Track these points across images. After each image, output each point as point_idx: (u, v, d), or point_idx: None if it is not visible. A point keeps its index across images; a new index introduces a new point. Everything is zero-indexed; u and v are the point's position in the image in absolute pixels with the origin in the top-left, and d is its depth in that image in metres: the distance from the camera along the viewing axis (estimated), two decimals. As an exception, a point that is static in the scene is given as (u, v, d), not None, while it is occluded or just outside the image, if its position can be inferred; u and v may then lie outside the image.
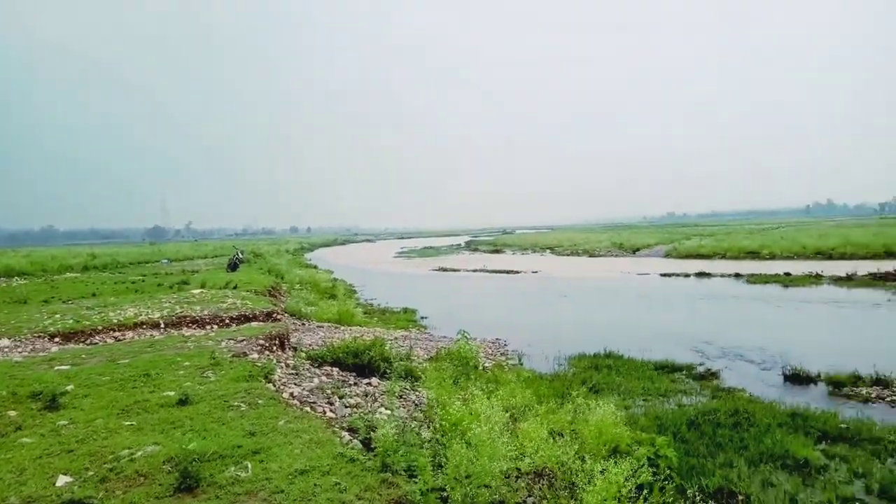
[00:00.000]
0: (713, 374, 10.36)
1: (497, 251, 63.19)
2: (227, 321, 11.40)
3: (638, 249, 49.33)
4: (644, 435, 5.90)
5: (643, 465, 4.88)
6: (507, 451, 4.48)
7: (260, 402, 5.68)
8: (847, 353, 11.15)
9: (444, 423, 5.13)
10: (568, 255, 51.71)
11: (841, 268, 27.20)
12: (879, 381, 9.23)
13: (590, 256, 48.35)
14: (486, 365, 10.94)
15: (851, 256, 33.78)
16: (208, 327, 10.98)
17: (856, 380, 9.39)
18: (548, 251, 57.62)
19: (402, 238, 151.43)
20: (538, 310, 19.97)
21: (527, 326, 16.27)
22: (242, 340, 8.84)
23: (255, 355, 8.05)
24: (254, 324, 11.08)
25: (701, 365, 11.04)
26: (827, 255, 35.08)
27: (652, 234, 68.11)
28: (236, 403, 5.56)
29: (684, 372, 10.63)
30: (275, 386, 6.84)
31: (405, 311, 19.69)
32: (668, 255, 43.14)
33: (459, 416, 5.02)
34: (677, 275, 29.09)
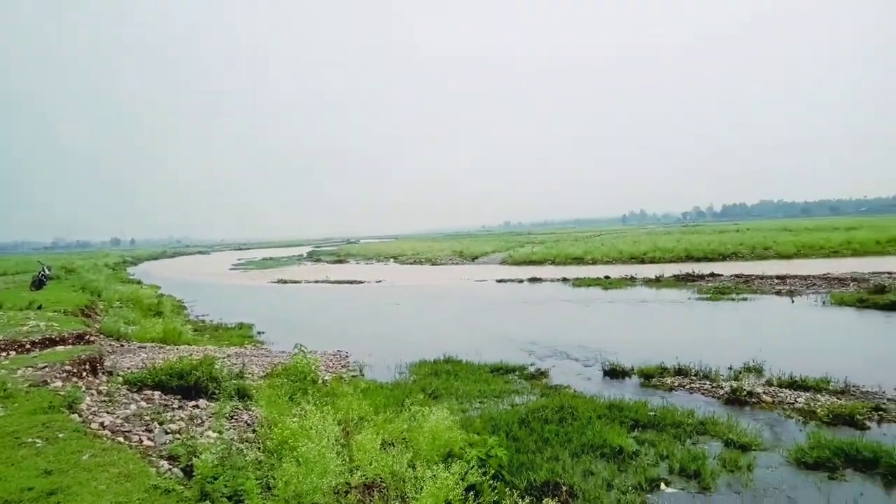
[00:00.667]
0: (542, 374, 11.00)
1: (341, 261, 62.47)
2: (28, 346, 10.04)
3: (477, 257, 51.34)
4: (477, 437, 6.09)
5: (472, 466, 5.04)
6: (338, 465, 4.38)
7: (60, 435, 5.04)
8: (655, 346, 12.39)
9: (274, 441, 4.90)
10: (411, 263, 52.45)
11: (651, 270, 30.40)
12: (680, 371, 10.38)
13: (432, 265, 49.44)
14: (326, 378, 10.69)
15: (659, 260, 37.88)
16: (3, 354, 9.60)
17: (662, 371, 10.47)
18: (392, 260, 58.03)
19: (241, 249, 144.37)
20: (381, 319, 19.99)
21: (369, 336, 16.20)
22: (44, 367, 7.82)
23: (59, 383, 7.15)
24: (60, 348, 9.87)
25: (532, 365, 11.68)
26: (640, 260, 39.00)
27: (490, 243, 71.26)
28: (31, 440, 4.89)
29: (517, 373, 11.17)
30: (81, 416, 6.11)
31: (240, 326, 18.72)
32: (503, 262, 45.37)
33: (290, 433, 4.82)
34: (512, 280, 30.68)
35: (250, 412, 7.53)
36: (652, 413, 8.04)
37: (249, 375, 10.14)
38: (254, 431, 6.55)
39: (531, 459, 6.40)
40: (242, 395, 8.31)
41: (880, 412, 7.83)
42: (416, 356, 12.74)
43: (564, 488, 5.57)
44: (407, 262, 53.42)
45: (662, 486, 5.88)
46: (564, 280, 29.00)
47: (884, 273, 23.82)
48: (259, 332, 17.57)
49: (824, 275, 24.52)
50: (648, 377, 10.26)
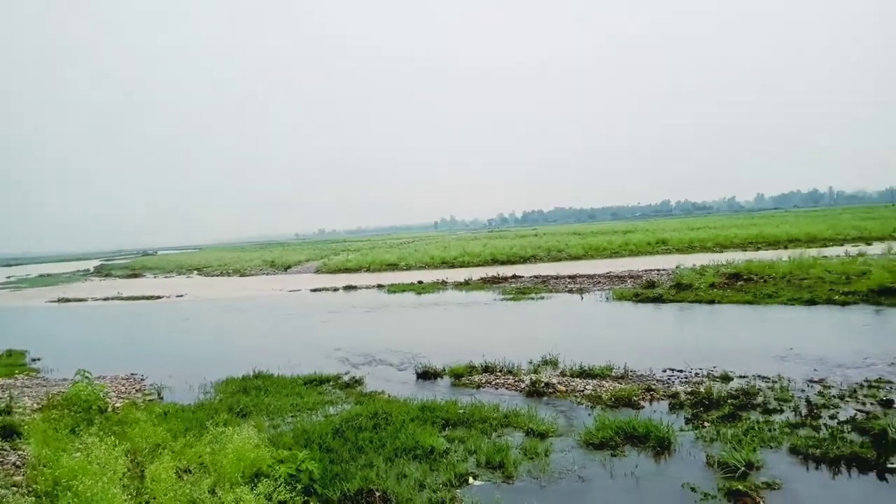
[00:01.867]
0: (357, 382, 10.98)
1: (135, 275, 57.09)
2: None
3: (290, 266, 49.92)
4: (287, 452, 5.89)
5: (281, 483, 4.87)
6: (125, 501, 3.96)
7: None
8: (466, 346, 12.99)
9: (45, 482, 4.29)
10: (218, 275, 49.46)
11: (461, 274, 31.87)
12: (487, 369, 10.99)
13: (241, 276, 47.09)
14: (117, 405, 9.65)
15: (468, 264, 39.89)
16: None
17: (471, 370, 11.00)
18: (195, 272, 54.23)
19: (9, 265, 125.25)
20: (183, 336, 18.55)
21: (170, 355, 14.96)
22: None
23: None
24: None
25: (347, 374, 11.61)
26: (450, 264, 40.72)
27: (303, 251, 69.69)
28: None
29: (332, 383, 11.03)
30: None
31: (9, 353, 16.21)
32: (318, 271, 44.63)
33: (67, 470, 4.26)
34: (327, 289, 30.28)
35: (20, 452, 6.55)
36: (461, 411, 8.40)
37: (20, 410, 8.82)
38: (24, 474, 5.70)
39: (345, 469, 6.34)
40: (10, 433, 7.21)
41: (651, 392, 8.96)
42: (223, 373, 12.01)
43: (378, 494, 5.60)
44: (213, 274, 50.30)
45: (471, 479, 6.16)
46: (379, 286, 29.30)
47: (653, 270, 27.41)
48: (34, 360, 15.38)
49: (607, 273, 27.60)
50: (459, 376, 10.71)
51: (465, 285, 27.06)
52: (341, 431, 7.64)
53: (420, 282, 29.41)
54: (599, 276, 26.85)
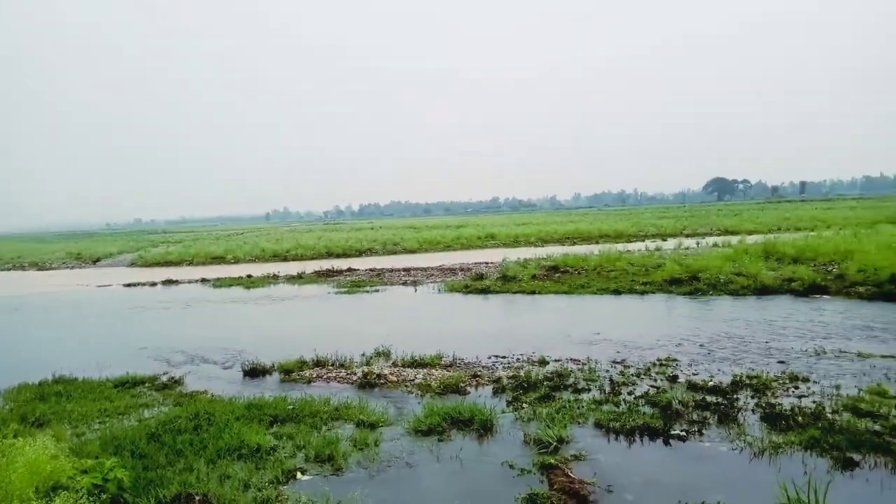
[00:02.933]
0: (177, 382, 10.27)
1: None
2: None
3: (99, 259, 45.28)
4: (91, 461, 5.36)
5: (83, 495, 4.42)
6: None
7: None
8: (297, 341, 12.69)
9: None
10: (9, 269, 43.40)
11: (294, 268, 31.02)
12: (319, 363, 10.83)
13: (40, 269, 41.75)
14: None
15: (302, 257, 38.92)
16: None
17: (302, 364, 10.77)
18: (-21, 266, 47.06)
19: None
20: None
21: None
22: None
23: None
24: None
25: (165, 374, 10.81)
26: (283, 257, 39.43)
27: (115, 243, 63.55)
28: None
29: (147, 385, 10.19)
30: None
31: None
32: (133, 264, 40.98)
33: None
34: (143, 284, 27.88)
35: None
36: (291, 406, 8.21)
37: None
38: None
39: (162, 475, 5.92)
40: None
41: (477, 378, 9.42)
42: (14, 379, 10.61)
43: (198, 498, 5.30)
44: (2, 269, 44.01)
45: (298, 475, 6.06)
46: (204, 281, 27.58)
47: (482, 263, 28.78)
48: None
49: (440, 266, 28.48)
50: (289, 372, 10.44)
51: (299, 279, 26.40)
52: (157, 436, 7.10)
53: (249, 276, 28.16)
54: (433, 268, 27.61)
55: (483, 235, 47.94)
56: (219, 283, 26.31)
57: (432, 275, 25.18)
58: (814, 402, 7.50)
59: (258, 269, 31.44)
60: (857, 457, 5.89)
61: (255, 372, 10.58)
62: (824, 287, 16.37)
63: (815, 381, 8.41)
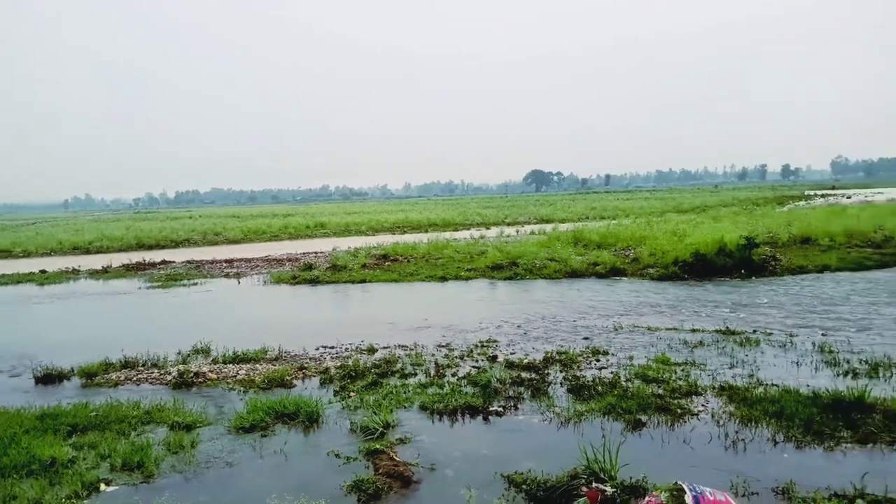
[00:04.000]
0: (-52, 395, 8.83)
1: None
2: None
3: None
4: None
5: None
6: None
7: None
8: (102, 342, 11.50)
9: None
10: None
11: (98, 261, 28.01)
12: (127, 364, 9.92)
13: None
14: None
15: (108, 249, 35.27)
16: None
17: (107, 367, 9.79)
18: None
19: None
20: None
21: None
22: None
23: None
24: None
25: (-68, 388, 9.24)
26: (85, 250, 35.47)
27: None
28: None
29: None
30: None
31: None
32: None
33: None
34: None
35: None
36: (94, 413, 7.45)
37: None
38: None
39: (-75, 505, 5.08)
40: None
41: (304, 370, 9.25)
42: None
43: (-26, 527, 4.63)
44: None
45: (102, 486, 5.53)
46: (-15, 278, 23.93)
47: (311, 253, 28.20)
48: None
49: (266, 257, 27.43)
50: (92, 376, 9.44)
51: (104, 273, 23.91)
52: (-81, 460, 6.07)
53: (43, 271, 24.96)
54: (258, 259, 26.52)
55: (312, 224, 47.00)
56: (5, 279, 22.99)
57: (257, 266, 24.18)
58: (612, 372, 8.38)
59: (54, 264, 27.93)
60: (644, 418, 6.71)
61: (50, 378, 9.43)
62: (623, 270, 18.31)
63: (613, 354, 9.40)
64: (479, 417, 7.03)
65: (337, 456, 6.07)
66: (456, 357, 9.62)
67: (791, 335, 10.10)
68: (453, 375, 8.61)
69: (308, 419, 7.03)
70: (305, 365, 9.53)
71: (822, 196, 71.39)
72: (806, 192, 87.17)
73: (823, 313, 11.77)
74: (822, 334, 10.12)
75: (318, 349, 10.58)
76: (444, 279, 18.56)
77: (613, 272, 18.10)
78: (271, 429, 6.88)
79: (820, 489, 4.90)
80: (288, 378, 8.79)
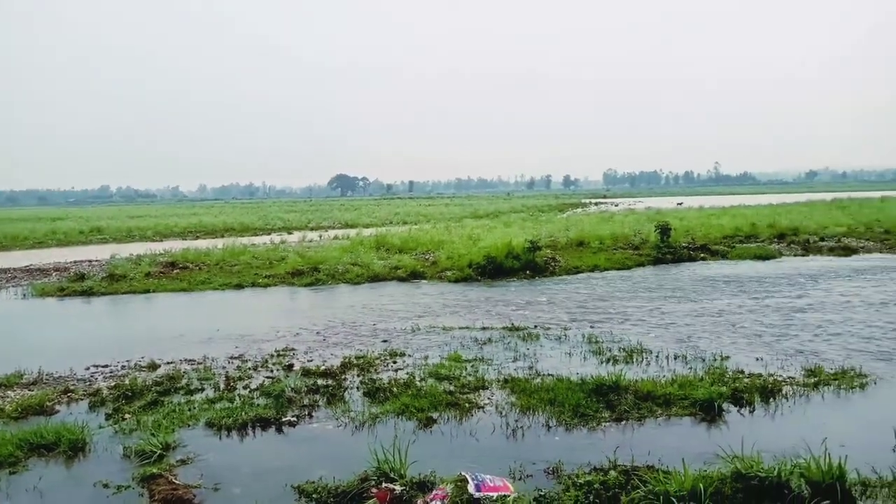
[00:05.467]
0: None
1: None
2: None
3: None
4: None
5: None
6: None
7: None
8: None
9: None
10: None
11: None
12: None
13: None
14: None
15: None
16: None
17: None
18: None
19: None
20: None
21: None
22: None
23: None
24: None
25: None
26: None
27: None
28: None
29: None
30: None
31: None
32: None
33: None
34: None
35: None
36: None
37: None
38: None
39: None
40: None
41: (70, 393, 8.17)
42: None
43: None
44: None
45: None
46: None
47: (85, 261, 25.12)
48: None
49: (27, 267, 23.82)
50: None
51: None
52: None
53: None
54: (17, 269, 22.92)
55: (87, 230, 41.93)
56: None
57: (16, 277, 20.93)
58: (407, 373, 8.60)
59: None
60: (435, 415, 6.98)
61: None
62: (423, 273, 18.94)
63: (409, 355, 9.65)
64: (272, 429, 6.78)
65: (106, 486, 5.44)
66: (249, 368, 9.17)
67: (566, 329, 11.23)
68: (245, 388, 8.20)
69: (72, 448, 6.21)
70: (72, 387, 8.42)
71: (596, 204, 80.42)
72: (583, 201, 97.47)
73: (593, 308, 13.26)
74: (591, 327, 11.39)
75: (88, 369, 9.41)
76: (240, 287, 17.66)
77: (414, 275, 18.64)
78: (23, 464, 5.96)
79: (583, 465, 5.47)
80: (48, 404, 7.69)
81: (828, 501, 4.50)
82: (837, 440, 5.76)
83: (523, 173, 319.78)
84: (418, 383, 8.06)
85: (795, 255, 21.81)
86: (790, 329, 10.82)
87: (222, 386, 8.26)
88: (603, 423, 6.65)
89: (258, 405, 7.39)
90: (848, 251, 22.31)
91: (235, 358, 9.84)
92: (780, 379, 7.93)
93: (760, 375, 8.03)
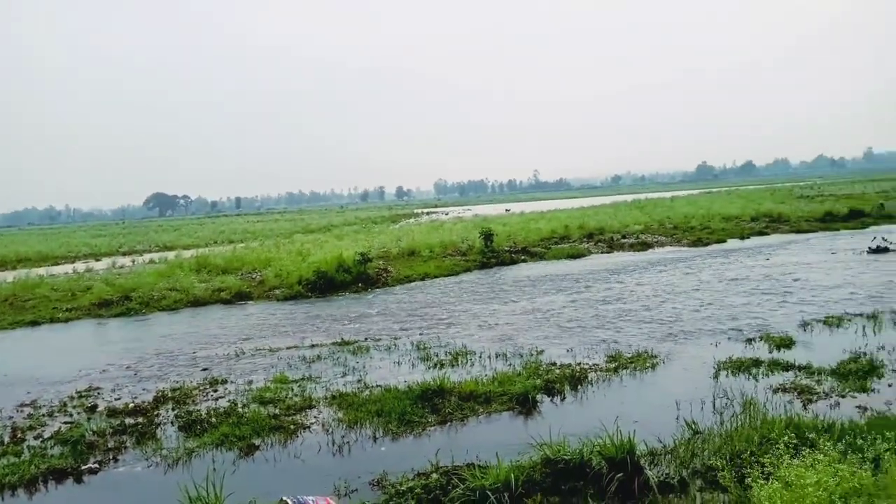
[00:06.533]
0: None
1: None
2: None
3: None
4: None
5: None
6: None
7: None
8: None
9: None
10: None
11: None
12: None
13: None
14: None
15: None
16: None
17: None
18: None
19: None
20: None
21: None
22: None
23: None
24: None
25: None
26: None
27: None
28: None
29: None
30: None
31: None
32: None
33: None
34: None
35: None
36: None
37: None
38: None
39: None
40: None
41: None
42: None
43: None
44: None
45: None
46: None
47: None
48: None
49: None
50: None
51: None
52: None
53: None
54: None
55: None
56: None
57: None
58: (229, 401, 8.15)
59: None
60: (258, 441, 6.69)
61: None
62: (249, 293, 18.12)
63: (232, 382, 9.16)
64: (70, 480, 6.07)
65: None
66: (43, 415, 8.13)
67: (395, 338, 11.35)
68: (37, 437, 7.26)
69: None
70: None
71: (428, 213, 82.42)
72: (415, 211, 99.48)
73: (422, 315, 13.56)
74: (420, 334, 11.64)
75: None
76: (35, 324, 15.65)
77: (239, 297, 17.78)
78: None
79: (407, 472, 5.55)
80: None
81: (621, 473, 5.00)
82: (633, 417, 6.45)
83: (356, 185, 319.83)
84: (240, 410, 7.68)
85: (602, 253, 24.09)
86: (597, 320, 11.91)
87: (7, 439, 7.23)
88: (428, 428, 6.82)
89: (52, 455, 6.58)
90: (645, 246, 25.11)
91: (26, 405, 8.66)
92: (586, 367, 8.69)
93: (570, 365, 8.74)
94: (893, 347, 8.65)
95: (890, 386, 7.21)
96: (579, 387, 7.92)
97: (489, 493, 4.78)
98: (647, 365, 8.67)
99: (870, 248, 18.95)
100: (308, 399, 7.97)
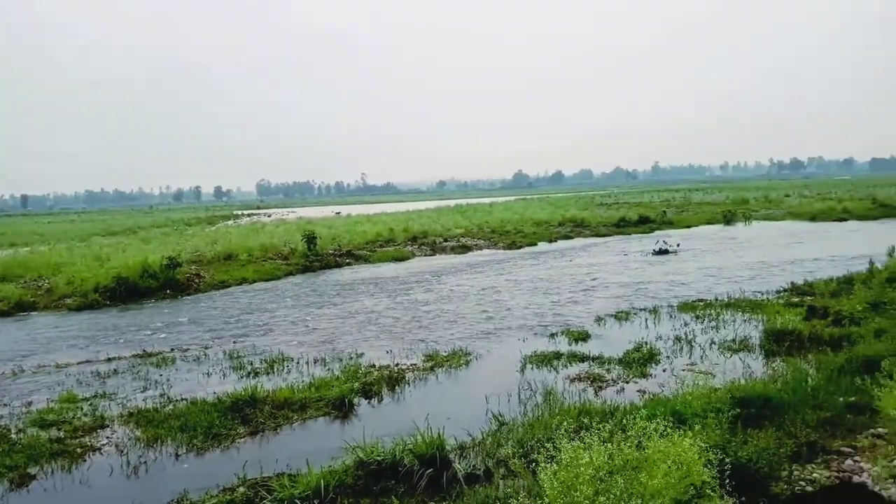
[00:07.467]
0: None
1: None
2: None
3: None
4: None
5: None
6: None
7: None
8: None
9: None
10: None
11: None
12: None
13: None
14: None
15: None
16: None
17: None
18: None
19: None
20: None
21: None
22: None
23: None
24: None
25: None
26: None
27: None
28: None
29: None
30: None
31: None
32: None
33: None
34: None
35: None
36: None
37: None
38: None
39: None
40: None
41: None
42: None
43: None
44: None
45: None
46: None
47: None
48: None
49: None
50: None
51: None
52: None
53: None
54: None
55: None
56: None
57: None
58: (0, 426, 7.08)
59: None
60: (34, 470, 5.88)
61: None
62: (33, 303, 15.97)
63: (5, 405, 7.97)
64: None
65: None
66: None
67: (206, 348, 10.65)
68: None
69: None
70: None
71: (248, 216, 78.57)
72: (234, 212, 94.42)
73: (237, 323, 12.87)
74: (234, 342, 11.03)
75: None
76: None
77: (20, 307, 15.57)
78: None
79: (211, 489, 5.21)
80: None
81: (431, 469, 5.13)
82: (446, 413, 6.65)
83: (169, 184, 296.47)
84: (14, 436, 6.70)
85: (425, 255, 24.69)
86: (417, 321, 12.17)
87: None
88: (238, 440, 6.47)
89: None
90: (465, 249, 26.20)
91: None
92: (404, 367, 8.83)
93: (388, 367, 8.82)
94: (667, 337, 9.88)
95: (664, 371, 8.21)
96: (396, 387, 8.01)
97: (298, 501, 4.64)
98: (462, 362, 9.03)
99: (654, 250, 21.57)
100: (100, 418, 7.18)
